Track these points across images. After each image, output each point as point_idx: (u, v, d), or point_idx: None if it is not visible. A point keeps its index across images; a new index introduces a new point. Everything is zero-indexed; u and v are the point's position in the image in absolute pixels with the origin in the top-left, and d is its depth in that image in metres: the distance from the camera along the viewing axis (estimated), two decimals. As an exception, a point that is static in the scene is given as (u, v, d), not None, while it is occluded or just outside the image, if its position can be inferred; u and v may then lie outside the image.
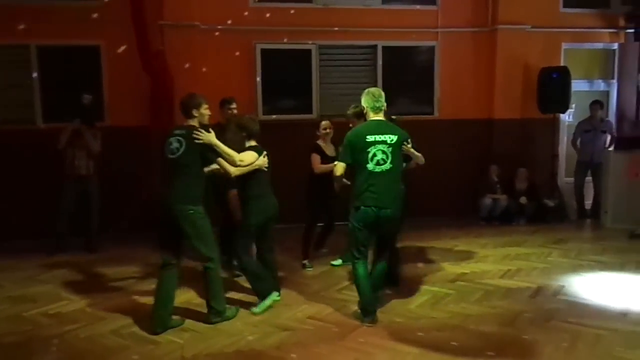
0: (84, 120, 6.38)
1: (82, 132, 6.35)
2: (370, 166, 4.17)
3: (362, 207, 4.19)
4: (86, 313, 4.55)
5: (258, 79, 7.75)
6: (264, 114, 7.71)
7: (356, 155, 4.21)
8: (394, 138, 4.21)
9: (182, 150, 4.12)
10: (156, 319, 4.13)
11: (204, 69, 7.41)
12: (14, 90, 7.25)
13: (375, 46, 8.03)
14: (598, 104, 8.02)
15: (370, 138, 4.19)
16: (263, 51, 7.75)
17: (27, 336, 4.09)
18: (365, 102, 4.36)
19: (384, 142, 4.19)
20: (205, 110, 4.30)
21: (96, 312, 4.57)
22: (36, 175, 6.95)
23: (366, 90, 4.39)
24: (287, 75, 7.98)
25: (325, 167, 5.37)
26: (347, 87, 7.99)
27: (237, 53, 7.68)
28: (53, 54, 7.24)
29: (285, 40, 7.77)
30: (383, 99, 4.33)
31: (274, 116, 7.77)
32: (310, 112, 7.91)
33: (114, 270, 5.78)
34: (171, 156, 4.15)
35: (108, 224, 6.82)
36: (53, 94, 7.24)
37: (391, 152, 4.19)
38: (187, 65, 7.27)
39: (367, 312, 4.28)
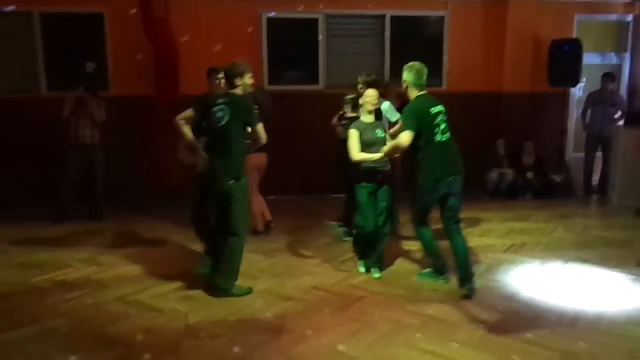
0: (88, 88, 6.33)
1: (86, 100, 6.31)
2: (438, 137, 4.28)
3: (436, 180, 4.27)
4: (91, 280, 4.59)
5: (264, 48, 7.64)
6: (269, 84, 7.63)
7: (423, 127, 4.23)
8: (443, 109, 4.37)
9: (226, 119, 4.08)
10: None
11: (208, 38, 7.31)
12: (17, 58, 7.20)
13: (383, 16, 7.88)
14: (609, 77, 7.85)
15: (433, 110, 4.28)
16: (269, 20, 7.63)
17: (32, 302, 4.13)
18: (408, 77, 4.36)
19: (442, 113, 4.33)
20: (248, 80, 4.25)
21: (101, 279, 4.62)
22: (41, 144, 6.94)
23: (409, 65, 4.40)
24: (293, 45, 7.86)
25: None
26: (354, 58, 7.88)
27: (243, 22, 7.56)
28: (56, 21, 7.16)
29: (299, 8, 7.60)
30: (426, 76, 4.38)
31: (279, 86, 7.69)
32: (317, 82, 7.83)
33: (118, 238, 5.82)
34: (216, 126, 4.11)
35: (113, 193, 6.84)
36: (57, 62, 7.19)
37: (447, 121, 4.37)
38: (191, 35, 7.17)
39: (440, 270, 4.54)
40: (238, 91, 4.22)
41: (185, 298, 4.20)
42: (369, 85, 5.25)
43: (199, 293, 4.29)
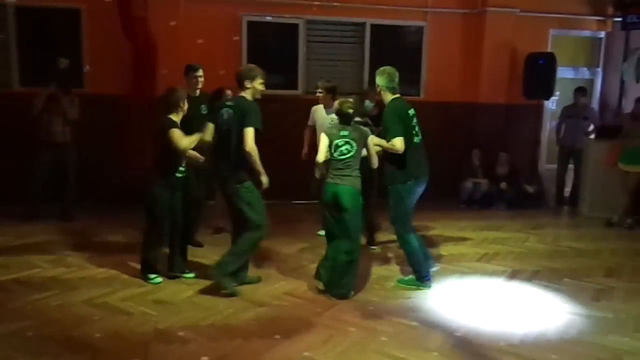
0: (61, 85, 6.19)
1: (59, 97, 6.17)
2: (416, 139, 4.43)
3: (416, 178, 4.41)
4: (58, 281, 4.47)
5: (244, 51, 7.60)
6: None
7: (404, 129, 4.33)
8: (415, 111, 4.51)
9: (232, 121, 4.12)
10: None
11: (188, 39, 7.24)
12: (-10, 51, 7.02)
13: (363, 24, 7.92)
14: (581, 91, 8.03)
15: (410, 112, 4.43)
16: (249, 24, 7.59)
17: (-3, 303, 4.01)
18: (381, 81, 4.44)
19: (415, 115, 4.48)
20: (259, 86, 4.28)
21: (69, 280, 4.50)
22: (12, 140, 6.75)
23: (381, 70, 4.47)
24: (273, 50, 7.84)
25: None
26: (334, 64, 7.90)
27: (223, 24, 7.51)
28: (31, 15, 7.00)
29: (271, 16, 7.61)
30: (398, 79, 4.44)
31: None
32: (296, 88, 7.81)
33: (88, 239, 5.70)
34: (223, 127, 4.15)
35: (84, 193, 6.69)
36: (31, 56, 7.02)
37: (418, 124, 4.52)
38: (170, 35, 7.09)
39: (427, 276, 4.55)
40: (247, 95, 4.23)
41: (155, 302, 4.12)
42: (328, 91, 5.32)
43: (169, 297, 4.21)
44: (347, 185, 4.21)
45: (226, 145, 4.19)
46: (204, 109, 5.04)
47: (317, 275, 4.42)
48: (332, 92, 5.50)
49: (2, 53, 6.98)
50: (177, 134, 4.26)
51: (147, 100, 6.59)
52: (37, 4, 6.96)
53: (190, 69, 5.18)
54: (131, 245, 5.50)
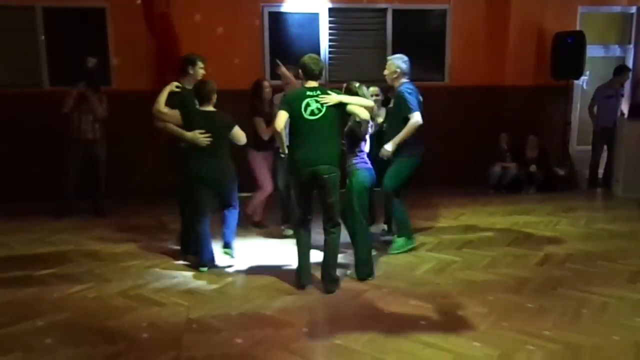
0: (89, 84, 6.32)
1: (88, 96, 6.31)
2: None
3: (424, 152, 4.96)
4: (94, 274, 4.59)
5: (266, 42, 7.61)
6: (271, 79, 7.59)
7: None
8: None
9: (323, 111, 4.13)
10: (306, 272, 4.29)
11: (210, 32, 7.29)
12: (19, 53, 7.19)
13: (385, 9, 7.84)
14: (626, 70, 7.79)
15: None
16: (270, 14, 7.59)
17: (36, 296, 4.14)
18: (402, 65, 4.95)
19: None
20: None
21: (104, 273, 4.62)
22: (43, 138, 6.94)
23: (400, 56, 5.05)
24: (295, 39, 7.81)
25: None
26: (356, 52, 7.84)
27: (245, 16, 7.53)
28: (59, 16, 7.14)
29: (295, 3, 7.60)
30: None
31: (281, 81, 7.65)
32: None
33: (121, 233, 5.83)
34: (311, 117, 4.12)
35: (115, 187, 6.83)
36: (59, 56, 7.17)
37: None
38: (192, 29, 7.15)
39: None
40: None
41: (187, 292, 4.20)
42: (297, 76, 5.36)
43: (200, 287, 4.29)
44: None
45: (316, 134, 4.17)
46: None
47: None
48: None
49: (32, 54, 7.15)
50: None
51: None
52: (63, 4, 7.10)
53: (198, 60, 4.86)
54: (161, 237, 5.62)
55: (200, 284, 4.37)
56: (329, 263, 4.23)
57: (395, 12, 7.84)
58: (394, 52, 7.75)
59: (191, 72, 4.73)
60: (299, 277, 4.29)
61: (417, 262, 4.88)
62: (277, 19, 7.63)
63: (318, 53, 7.72)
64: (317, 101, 4.13)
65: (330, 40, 7.80)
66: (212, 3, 7.31)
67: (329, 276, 4.22)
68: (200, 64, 4.75)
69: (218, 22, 7.37)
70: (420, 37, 8.04)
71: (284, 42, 7.68)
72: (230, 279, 4.48)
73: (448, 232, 5.83)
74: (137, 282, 4.41)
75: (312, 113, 4.12)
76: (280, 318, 3.74)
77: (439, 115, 7.17)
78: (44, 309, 3.90)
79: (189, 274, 4.59)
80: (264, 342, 3.40)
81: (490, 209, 6.81)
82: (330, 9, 7.71)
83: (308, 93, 4.18)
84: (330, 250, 4.25)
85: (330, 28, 7.77)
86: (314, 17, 7.70)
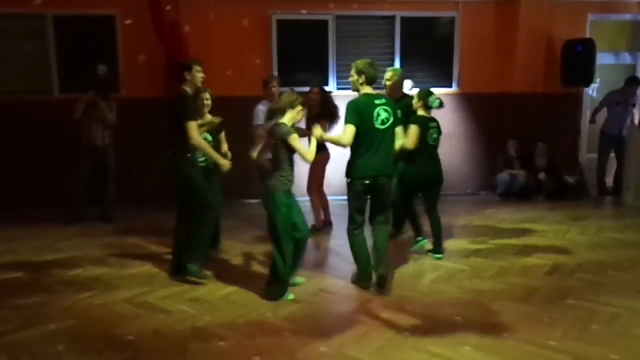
0: (99, 91, 6.37)
1: (98, 103, 6.36)
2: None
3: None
4: (101, 281, 4.61)
5: (274, 50, 7.64)
6: (280, 86, 7.60)
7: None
8: None
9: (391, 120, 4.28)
10: (367, 275, 4.36)
11: (219, 40, 7.33)
12: (30, 60, 7.26)
13: (393, 17, 7.84)
14: (635, 82, 7.74)
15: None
16: (279, 22, 7.62)
17: (42, 303, 4.15)
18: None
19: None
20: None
21: (111, 280, 4.63)
22: (52, 145, 7.00)
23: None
24: (303, 47, 7.83)
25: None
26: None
27: (253, 23, 7.56)
28: (69, 23, 7.21)
29: (303, 11, 7.62)
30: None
31: (289, 89, 7.66)
32: (327, 84, 7.80)
33: (129, 239, 5.84)
34: (381, 127, 4.24)
35: (123, 194, 6.86)
36: (69, 64, 7.24)
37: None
38: (201, 36, 7.19)
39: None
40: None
41: (193, 300, 4.19)
42: None
43: (207, 295, 4.28)
44: None
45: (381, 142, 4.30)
46: None
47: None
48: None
49: (42, 61, 7.21)
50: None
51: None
52: (73, 12, 7.17)
53: (193, 64, 4.59)
54: (168, 244, 5.61)
55: (207, 291, 4.36)
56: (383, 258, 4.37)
57: (403, 19, 7.84)
58: (402, 60, 7.83)
59: (188, 77, 4.52)
60: (368, 276, 4.37)
61: (424, 270, 4.84)
62: (286, 26, 7.66)
63: (326, 61, 7.77)
64: (385, 110, 4.25)
65: (338, 48, 7.80)
66: (221, 11, 7.35)
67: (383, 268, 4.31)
68: (196, 68, 4.53)
69: (227, 29, 7.40)
70: (429, 44, 8.04)
71: (292, 49, 7.70)
72: (236, 286, 4.46)
73: (456, 240, 5.80)
74: (144, 289, 4.41)
75: (383, 122, 4.24)
76: (286, 326, 3.72)
77: (448, 123, 7.15)
78: (50, 315, 3.91)
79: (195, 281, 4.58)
80: (269, 350, 3.38)
81: (499, 217, 6.77)
82: (337, 17, 7.72)
83: (376, 102, 4.26)
84: (383, 242, 4.41)
85: (338, 36, 7.78)
86: (322, 24, 7.71)
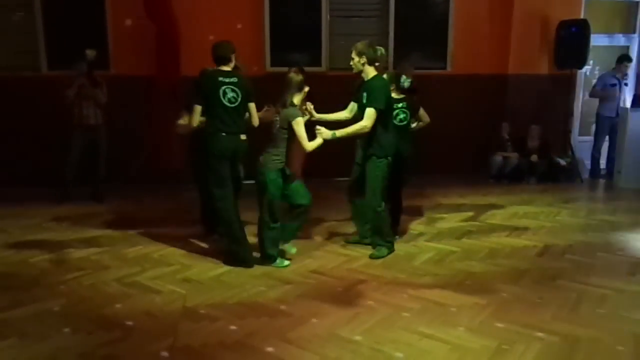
0: (89, 75, 6.25)
1: (87, 86, 6.26)
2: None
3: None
4: (91, 261, 4.57)
5: (266, 29, 7.52)
6: (271, 65, 7.52)
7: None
8: None
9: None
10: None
11: (210, 17, 7.20)
12: (18, 36, 7.11)
13: (388, -4, 7.74)
14: (627, 59, 7.73)
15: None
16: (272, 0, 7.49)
17: (31, 282, 4.12)
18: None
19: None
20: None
21: (101, 260, 4.60)
22: (42, 123, 6.90)
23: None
24: (296, 26, 7.74)
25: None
26: (358, 39, 7.67)
27: (245, 1, 7.43)
28: (57, -1, 7.06)
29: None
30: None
31: (282, 68, 7.57)
32: (319, 64, 7.71)
33: (118, 220, 5.80)
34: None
35: (113, 173, 6.80)
36: (58, 40, 7.09)
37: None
38: (192, 14, 7.07)
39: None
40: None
41: (184, 280, 4.18)
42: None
43: (197, 275, 4.27)
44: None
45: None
46: None
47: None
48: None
49: (30, 38, 7.06)
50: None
51: (172, 80, 6.62)
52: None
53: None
54: (159, 224, 5.60)
55: (197, 271, 4.35)
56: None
57: (398, -1, 7.74)
58: (396, 40, 7.74)
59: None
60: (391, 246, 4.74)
61: (416, 252, 4.85)
62: (279, 4, 7.53)
63: (319, 39, 7.67)
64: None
65: (331, 27, 7.70)
66: (212, -13, 7.22)
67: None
68: None
69: (218, 7, 7.27)
70: (423, 24, 7.96)
71: (285, 28, 7.59)
72: (227, 267, 4.44)
73: (447, 221, 5.81)
74: (134, 269, 4.39)
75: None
76: (277, 307, 3.72)
77: (441, 104, 7.10)
78: (39, 295, 3.88)
79: (186, 261, 4.56)
80: (260, 331, 3.38)
81: (491, 199, 6.78)
82: (332, -5, 7.61)
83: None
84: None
85: (331, 14, 7.67)
86: (316, 2, 7.59)
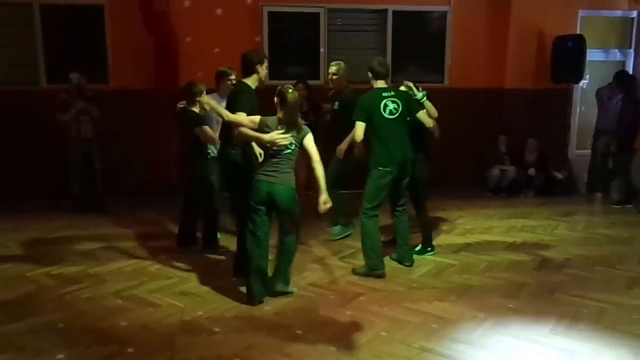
0: (80, 94, 6.36)
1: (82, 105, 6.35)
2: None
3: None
4: (89, 274, 4.56)
5: (265, 42, 7.58)
6: (270, 79, 7.55)
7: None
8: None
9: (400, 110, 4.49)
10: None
11: (209, 32, 7.26)
12: (17, 50, 7.14)
13: (385, 10, 7.80)
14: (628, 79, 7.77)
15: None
16: (270, 14, 7.56)
17: (29, 296, 4.11)
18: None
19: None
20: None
21: (99, 273, 4.58)
22: (40, 136, 6.89)
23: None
24: (294, 40, 7.80)
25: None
26: (356, 53, 7.81)
27: (244, 15, 7.49)
28: (56, 13, 7.09)
29: (295, 3, 7.57)
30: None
31: (280, 81, 7.62)
32: (318, 78, 7.76)
33: (116, 232, 5.79)
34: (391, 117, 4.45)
35: (111, 186, 6.80)
36: (57, 54, 7.13)
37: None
38: (191, 28, 7.13)
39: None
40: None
41: (182, 293, 4.17)
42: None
43: (195, 289, 4.26)
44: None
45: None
46: None
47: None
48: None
49: (29, 51, 7.10)
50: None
51: (170, 93, 6.64)
52: (61, 1, 7.05)
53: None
54: (158, 236, 5.59)
55: (195, 285, 4.34)
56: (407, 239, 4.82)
57: (395, 13, 7.80)
58: (393, 54, 7.80)
59: (260, 70, 4.38)
60: (380, 264, 4.53)
61: (414, 265, 4.84)
62: (277, 18, 7.60)
63: (317, 53, 7.74)
64: (393, 101, 4.47)
65: (329, 41, 7.76)
66: (212, 2, 7.27)
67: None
68: (265, 63, 4.46)
69: (217, 21, 7.33)
70: (420, 38, 8.02)
71: (284, 42, 7.66)
72: (226, 280, 4.43)
73: (445, 235, 5.81)
74: (132, 282, 4.37)
75: (391, 112, 4.46)
76: (275, 321, 3.71)
77: (438, 117, 7.14)
78: (37, 309, 3.86)
79: (184, 274, 4.55)
80: (258, 344, 3.37)
81: (488, 212, 6.79)
82: (330, 9, 7.67)
83: (384, 94, 4.50)
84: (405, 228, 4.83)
85: (329, 29, 7.74)
86: (314, 17, 7.66)
